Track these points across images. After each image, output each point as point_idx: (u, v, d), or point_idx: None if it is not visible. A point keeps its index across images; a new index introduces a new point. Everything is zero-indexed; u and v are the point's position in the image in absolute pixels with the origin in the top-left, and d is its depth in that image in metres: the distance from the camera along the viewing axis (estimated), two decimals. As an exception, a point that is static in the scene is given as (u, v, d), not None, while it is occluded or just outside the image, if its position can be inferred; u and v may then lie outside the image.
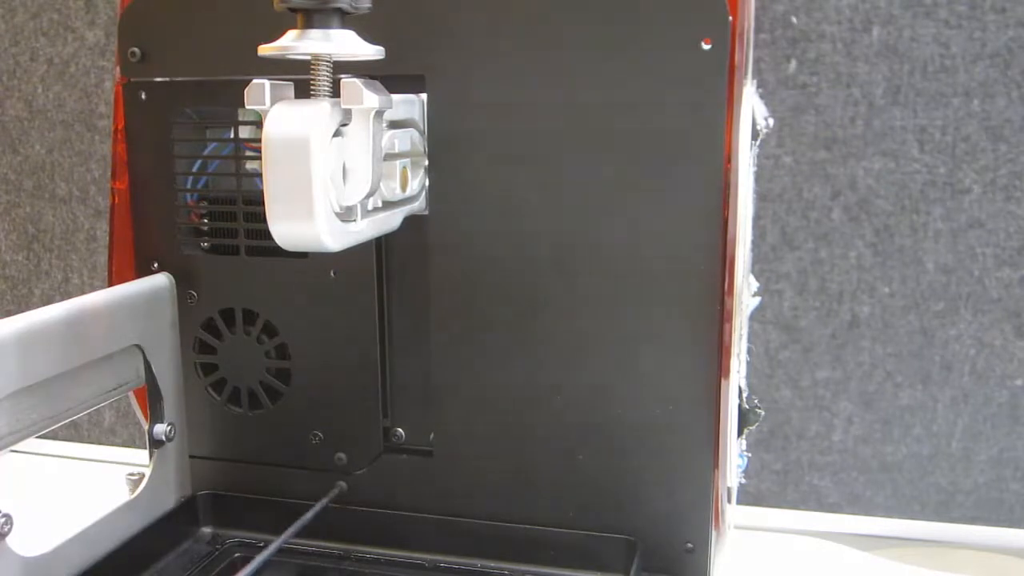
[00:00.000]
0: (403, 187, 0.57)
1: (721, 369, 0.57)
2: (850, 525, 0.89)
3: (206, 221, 0.66)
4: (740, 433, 0.62)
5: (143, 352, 0.60)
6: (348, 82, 0.48)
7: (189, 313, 0.65)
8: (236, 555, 0.64)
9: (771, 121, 0.69)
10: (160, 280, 0.63)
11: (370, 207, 0.54)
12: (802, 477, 0.91)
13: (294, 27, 0.47)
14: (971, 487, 0.88)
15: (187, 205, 0.65)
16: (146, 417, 0.63)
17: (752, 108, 0.61)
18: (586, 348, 0.59)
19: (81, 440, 1.11)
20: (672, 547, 0.59)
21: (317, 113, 0.47)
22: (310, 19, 0.46)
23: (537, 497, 0.61)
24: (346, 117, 0.49)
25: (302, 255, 0.62)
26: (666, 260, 0.56)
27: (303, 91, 0.49)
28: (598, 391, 0.59)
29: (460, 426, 0.62)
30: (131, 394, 0.64)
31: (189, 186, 0.65)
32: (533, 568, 0.61)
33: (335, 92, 0.49)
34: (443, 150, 0.59)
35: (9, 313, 0.50)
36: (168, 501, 0.64)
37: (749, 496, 0.91)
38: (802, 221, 0.87)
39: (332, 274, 0.63)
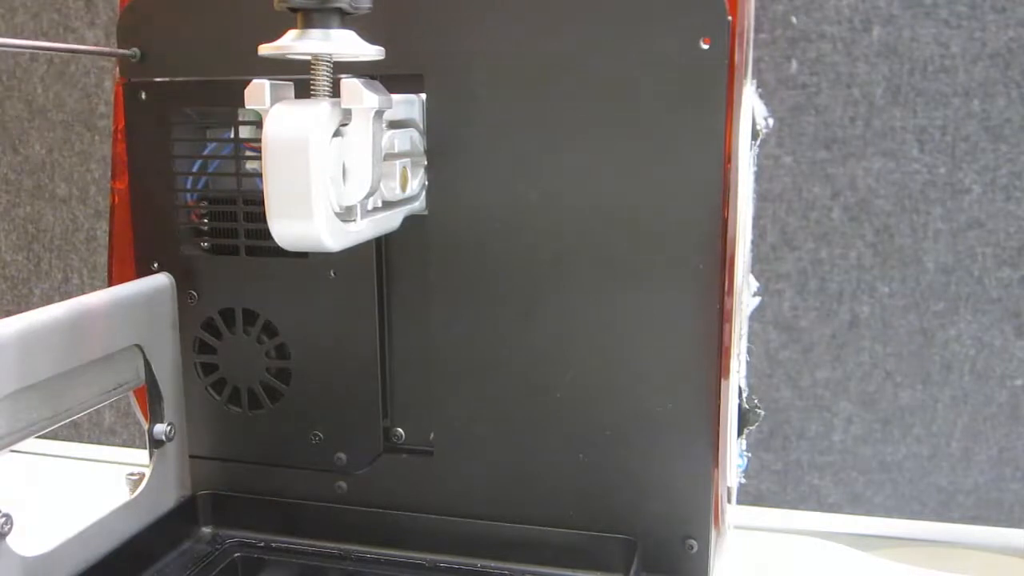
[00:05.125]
0: (403, 187, 0.57)
1: (721, 369, 0.57)
2: (850, 525, 0.89)
3: (206, 221, 0.66)
4: (740, 433, 0.62)
5: (143, 352, 0.60)
6: (348, 82, 0.48)
7: (189, 313, 0.65)
8: (236, 555, 0.64)
9: (771, 121, 0.69)
10: (160, 280, 0.63)
11: (370, 207, 0.54)
12: (802, 477, 0.91)
13: (294, 27, 0.47)
14: (971, 487, 0.87)
15: (187, 205, 0.65)
16: (146, 417, 0.63)
17: (752, 108, 0.61)
18: (586, 348, 0.59)
19: (81, 440, 1.11)
20: (672, 547, 0.59)
21: (317, 113, 0.47)
22: (310, 19, 0.46)
23: (537, 497, 0.61)
24: (346, 117, 0.49)
25: (302, 255, 0.62)
26: (666, 260, 0.56)
27: (303, 91, 0.49)
28: (598, 391, 0.59)
29: (460, 426, 0.62)
30: (131, 394, 0.64)
31: (189, 186, 0.65)
32: (533, 568, 0.61)
33: (335, 92, 0.49)
34: (443, 150, 0.59)
35: (9, 313, 0.50)
36: (168, 501, 0.64)
37: (749, 496, 0.91)
38: (802, 221, 0.87)
39: (332, 274, 0.63)
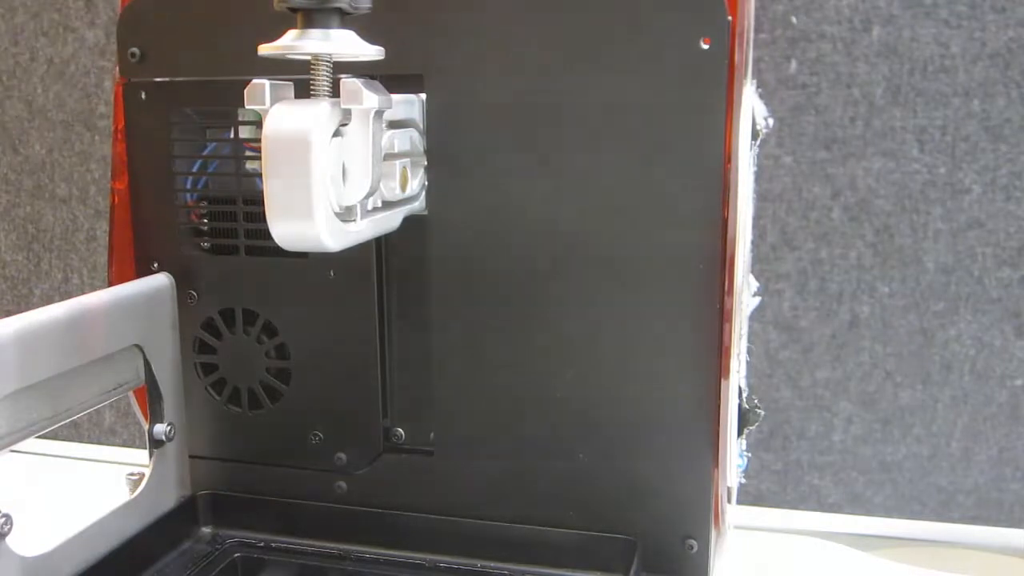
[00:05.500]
0: (403, 187, 0.57)
1: (721, 369, 0.57)
2: (850, 525, 0.89)
3: (206, 221, 0.66)
4: (740, 433, 0.62)
5: (143, 352, 0.60)
6: (348, 82, 0.48)
7: (189, 313, 0.65)
8: (236, 555, 0.64)
9: (771, 121, 0.69)
10: (160, 280, 0.63)
11: (370, 207, 0.54)
12: (802, 477, 0.91)
13: (294, 27, 0.47)
14: (971, 487, 0.87)
15: (187, 205, 0.65)
16: (146, 417, 0.63)
17: (752, 108, 0.61)
18: (586, 348, 0.59)
19: (81, 440, 1.11)
20: (672, 547, 0.59)
21: (317, 113, 0.47)
22: (310, 19, 0.46)
23: (537, 497, 0.61)
24: (346, 117, 0.49)
25: (302, 255, 0.62)
26: (666, 260, 0.56)
27: (303, 91, 0.49)
28: (598, 391, 0.59)
29: (460, 426, 0.62)
30: (131, 394, 0.64)
31: (189, 186, 0.65)
32: (533, 568, 0.61)
33: (335, 92, 0.49)
34: (443, 150, 0.59)
35: (9, 313, 0.50)
36: (168, 501, 0.64)
37: (749, 496, 0.91)
38: (802, 221, 0.87)
39: (332, 274, 0.63)
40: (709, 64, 0.54)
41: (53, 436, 1.07)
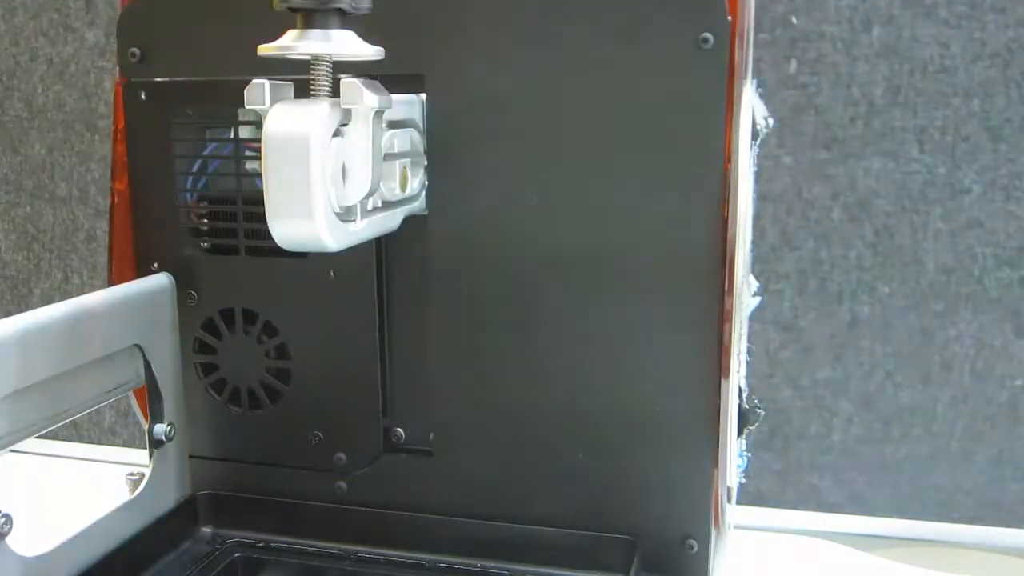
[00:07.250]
0: (403, 187, 0.57)
1: (721, 369, 0.57)
2: (850, 525, 0.89)
3: (206, 221, 0.66)
4: (740, 433, 0.62)
5: (143, 352, 0.60)
6: (348, 82, 0.48)
7: (189, 313, 0.65)
8: (236, 555, 0.64)
9: (771, 121, 0.69)
10: (160, 280, 0.63)
11: (370, 207, 0.54)
12: (802, 477, 0.91)
13: (294, 27, 0.47)
14: (971, 487, 0.87)
15: (187, 205, 0.65)
16: (146, 417, 0.63)
17: (752, 108, 0.61)
18: (585, 348, 0.59)
19: (81, 440, 1.10)
20: (672, 547, 0.59)
21: (317, 113, 0.47)
22: (310, 19, 0.46)
23: (537, 497, 0.61)
24: (346, 117, 0.49)
25: (302, 255, 0.62)
26: (666, 260, 0.56)
27: (303, 91, 0.49)
28: (598, 391, 0.59)
29: (460, 426, 0.62)
30: (131, 394, 0.64)
31: (189, 186, 0.65)
32: (533, 568, 0.61)
33: (335, 92, 0.49)
34: (443, 150, 0.59)
35: (9, 313, 0.50)
36: (168, 501, 0.64)
37: (749, 496, 0.91)
38: (802, 221, 0.87)
39: (332, 274, 0.63)
40: (709, 63, 0.54)
41: (53, 436, 1.07)
